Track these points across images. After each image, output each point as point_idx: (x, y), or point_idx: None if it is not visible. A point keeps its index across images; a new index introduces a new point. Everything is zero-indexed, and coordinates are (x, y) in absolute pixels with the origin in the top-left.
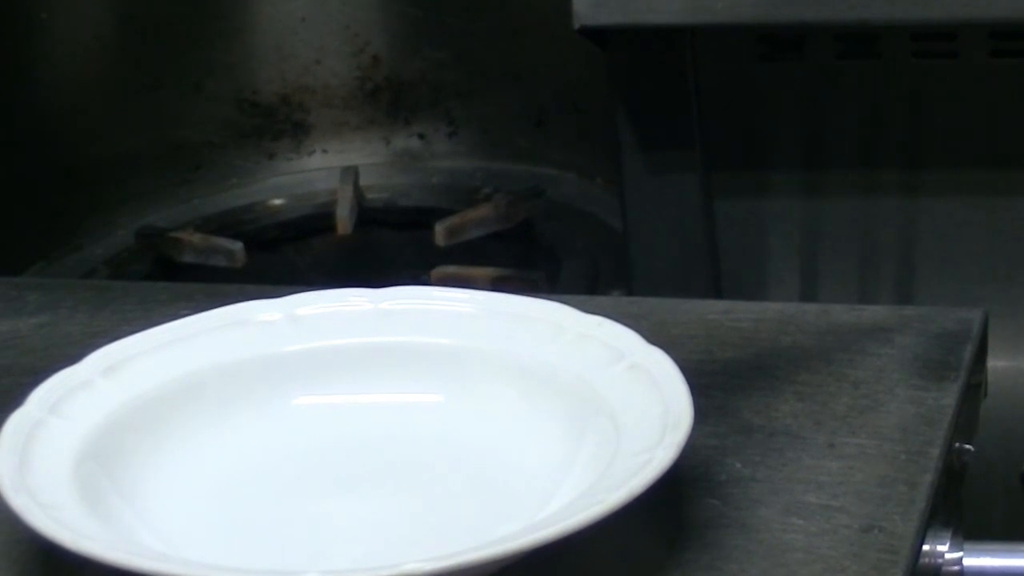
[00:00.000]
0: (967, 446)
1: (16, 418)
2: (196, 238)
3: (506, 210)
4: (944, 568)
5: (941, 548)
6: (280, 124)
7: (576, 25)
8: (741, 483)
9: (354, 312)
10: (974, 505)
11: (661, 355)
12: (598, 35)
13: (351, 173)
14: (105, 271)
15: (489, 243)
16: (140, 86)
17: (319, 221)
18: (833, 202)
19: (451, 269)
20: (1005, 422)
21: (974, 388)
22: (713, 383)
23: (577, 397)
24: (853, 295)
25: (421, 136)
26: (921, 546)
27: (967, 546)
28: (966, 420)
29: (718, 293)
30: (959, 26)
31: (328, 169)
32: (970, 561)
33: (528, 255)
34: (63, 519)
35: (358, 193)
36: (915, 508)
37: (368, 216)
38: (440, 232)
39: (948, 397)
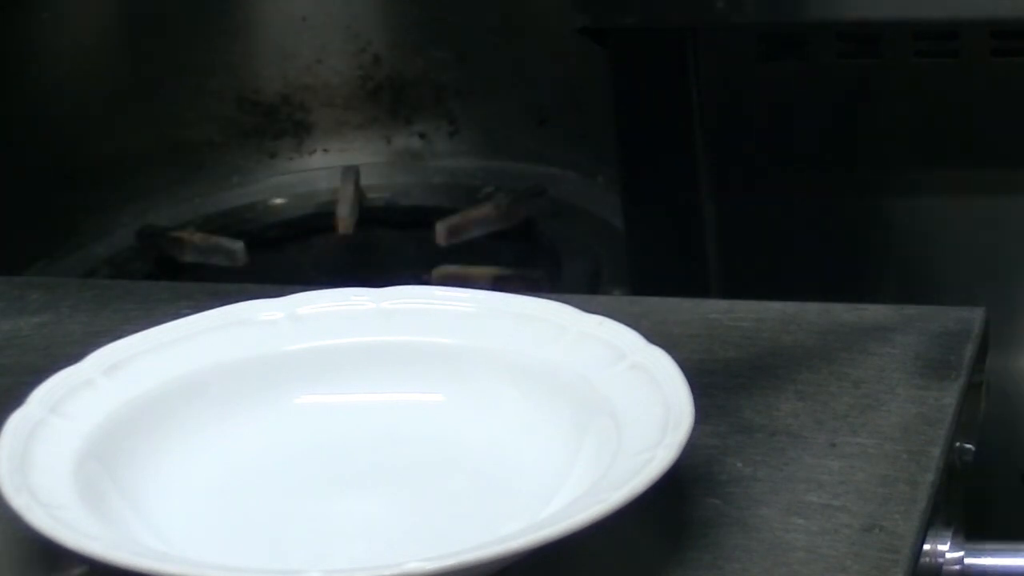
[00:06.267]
0: (968, 445)
1: (17, 417)
2: (197, 237)
3: (507, 209)
4: (945, 567)
5: (942, 547)
6: (281, 123)
7: (577, 25)
8: (742, 482)
9: (355, 311)
10: (974, 505)
11: (662, 354)
12: (599, 35)
13: (352, 172)
14: (106, 270)
15: (490, 242)
16: (141, 86)
17: (320, 220)
18: (834, 201)
19: (452, 268)
20: (1005, 422)
21: (975, 387)
22: (714, 382)
23: (578, 396)
24: (854, 294)
25: (422, 135)
26: (922, 545)
27: (968, 545)
28: (967, 419)
29: (719, 292)
30: (960, 25)
31: (329, 168)
32: (971, 560)
33: (529, 254)
34: (64, 518)
35: (359, 192)
36: (916, 507)
37: (369, 215)
38: (441, 231)
39: (949, 396)
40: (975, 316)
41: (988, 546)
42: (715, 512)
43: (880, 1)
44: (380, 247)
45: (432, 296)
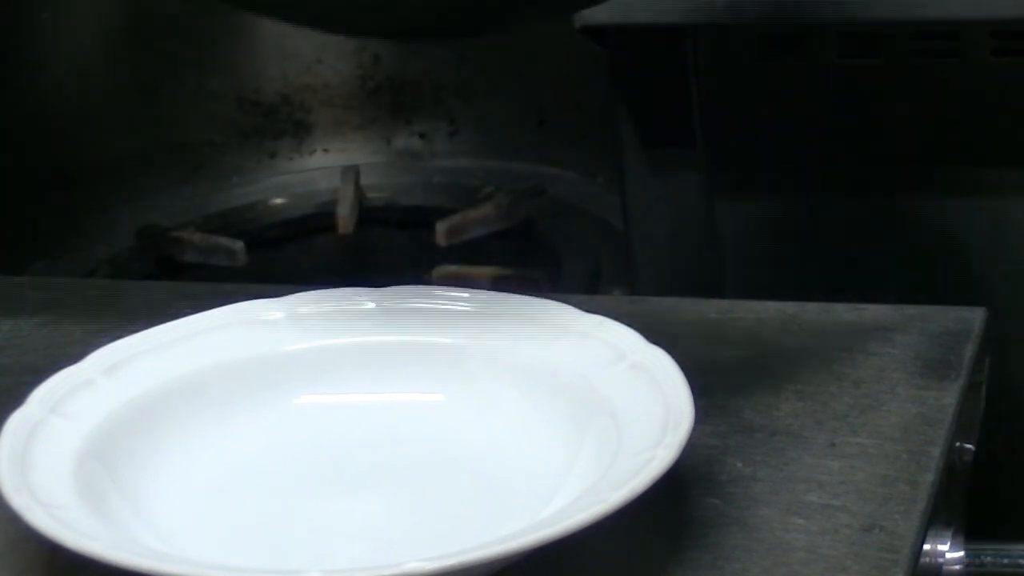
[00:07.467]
0: (968, 445)
1: (17, 417)
2: (197, 237)
3: (507, 209)
4: (945, 568)
5: (942, 548)
6: (281, 123)
7: (577, 24)
8: (742, 482)
9: (355, 311)
10: (975, 505)
11: (662, 354)
12: (599, 34)
13: (352, 172)
14: (106, 270)
15: (490, 242)
16: (141, 85)
17: (320, 220)
18: (834, 201)
19: (452, 268)
20: (1005, 422)
21: (975, 387)
22: (714, 382)
23: (578, 396)
24: (854, 294)
25: (422, 135)
26: (922, 546)
27: (968, 546)
28: (967, 419)
29: (719, 292)
30: (960, 25)
31: (329, 168)
32: (971, 560)
33: (529, 254)
34: (64, 518)
35: (359, 192)
36: (916, 507)
37: (369, 215)
38: (441, 231)
39: (949, 396)
40: (975, 316)
41: (988, 546)
42: (715, 512)
43: (880, 1)
44: (380, 247)
45: (432, 296)
